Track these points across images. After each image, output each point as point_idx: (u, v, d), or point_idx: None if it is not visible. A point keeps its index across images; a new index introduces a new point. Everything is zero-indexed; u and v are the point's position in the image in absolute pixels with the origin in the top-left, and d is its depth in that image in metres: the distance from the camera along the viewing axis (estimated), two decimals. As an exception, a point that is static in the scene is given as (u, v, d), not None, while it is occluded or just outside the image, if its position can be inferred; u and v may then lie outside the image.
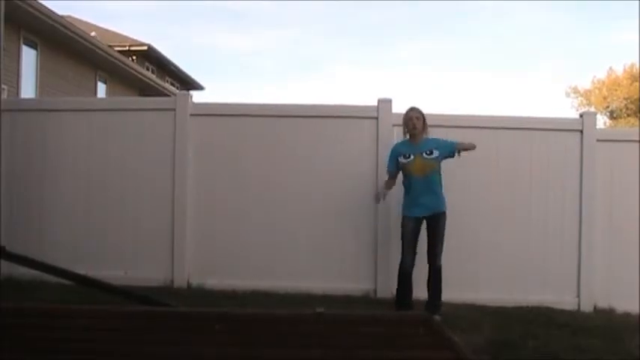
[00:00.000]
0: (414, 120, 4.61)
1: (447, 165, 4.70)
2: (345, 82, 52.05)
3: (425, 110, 4.72)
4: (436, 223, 4.57)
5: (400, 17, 52.32)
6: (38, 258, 2.74)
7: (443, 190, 4.63)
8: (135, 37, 18.38)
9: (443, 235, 4.57)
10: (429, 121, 4.72)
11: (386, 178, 4.84)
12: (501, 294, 5.21)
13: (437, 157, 4.57)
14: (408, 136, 4.71)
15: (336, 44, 57.04)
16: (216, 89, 44.31)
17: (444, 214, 4.59)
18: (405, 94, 43.31)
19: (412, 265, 4.58)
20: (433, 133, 4.75)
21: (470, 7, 49.72)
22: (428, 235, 4.61)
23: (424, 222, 4.63)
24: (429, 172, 4.56)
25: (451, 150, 4.59)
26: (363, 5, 53.70)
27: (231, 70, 52.89)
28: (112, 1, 40.57)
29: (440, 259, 4.55)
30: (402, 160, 4.60)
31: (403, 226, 4.63)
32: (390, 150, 4.83)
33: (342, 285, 5.28)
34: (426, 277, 4.65)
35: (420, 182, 4.56)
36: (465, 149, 4.57)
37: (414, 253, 4.58)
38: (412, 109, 4.69)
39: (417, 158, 4.55)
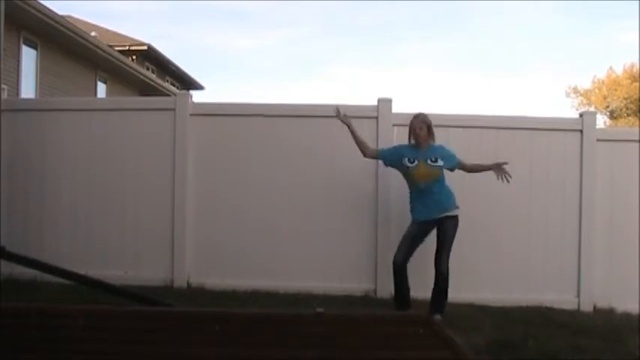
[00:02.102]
0: (417, 130, 4.58)
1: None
2: (345, 82, 52.12)
3: (425, 110, 4.71)
4: (444, 227, 4.52)
5: (401, 17, 52.41)
6: (38, 258, 2.74)
7: (450, 191, 4.61)
8: (135, 37, 18.41)
9: (450, 242, 4.50)
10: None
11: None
12: (501, 294, 5.21)
13: (441, 166, 4.56)
14: (413, 142, 4.68)
15: (337, 44, 57.10)
16: (216, 89, 44.40)
17: (453, 217, 4.54)
18: (405, 94, 43.35)
19: (404, 260, 4.50)
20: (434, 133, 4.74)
21: (470, 7, 49.80)
22: (437, 241, 4.57)
23: (435, 227, 4.59)
24: (433, 179, 4.54)
25: (452, 166, 4.66)
26: (363, 5, 53.79)
27: (231, 70, 52.97)
28: (112, 1, 40.59)
29: (445, 266, 4.47)
30: (406, 163, 4.57)
31: (409, 227, 4.63)
32: (395, 145, 4.83)
33: (342, 285, 5.28)
34: (426, 280, 4.63)
35: (424, 188, 4.55)
36: (470, 170, 4.72)
37: (408, 252, 4.53)
38: (415, 117, 4.63)
39: (422, 165, 4.53)
